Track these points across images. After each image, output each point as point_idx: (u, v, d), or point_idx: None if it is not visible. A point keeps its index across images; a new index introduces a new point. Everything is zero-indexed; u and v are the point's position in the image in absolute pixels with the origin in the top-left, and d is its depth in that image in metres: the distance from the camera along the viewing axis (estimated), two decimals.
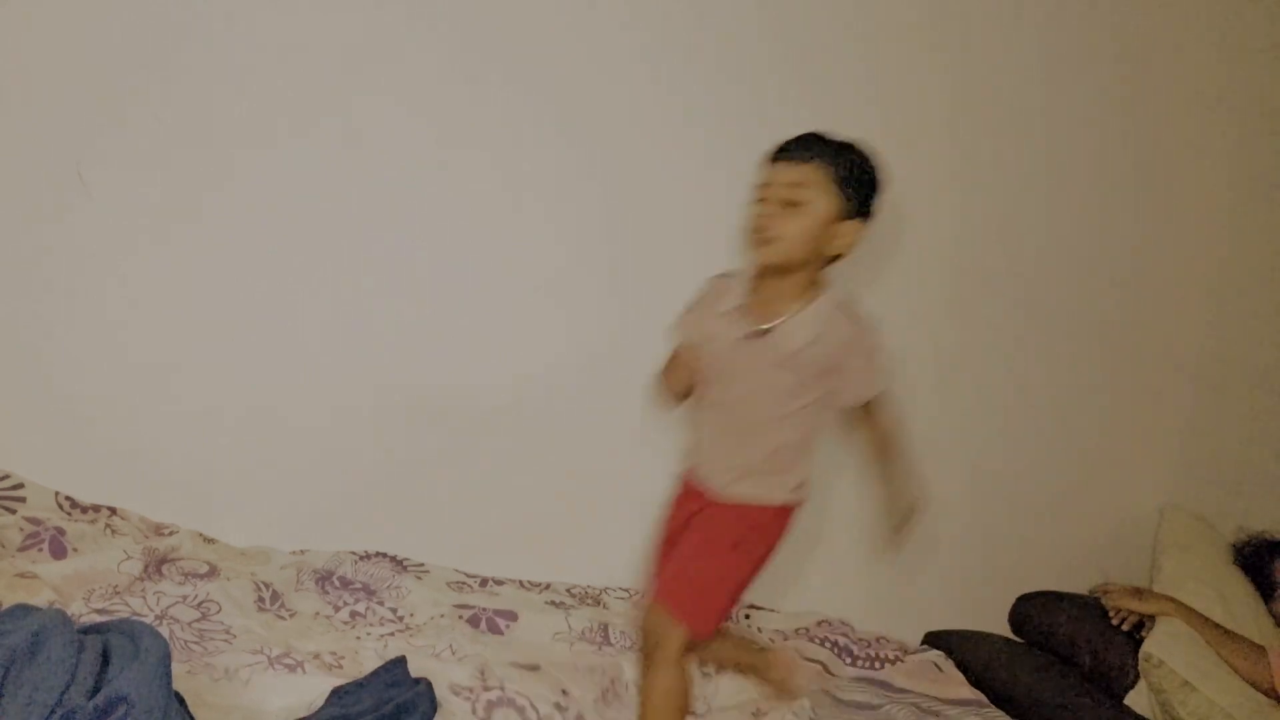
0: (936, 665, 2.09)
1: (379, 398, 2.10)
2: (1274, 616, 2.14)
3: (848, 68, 2.24)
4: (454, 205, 2.10)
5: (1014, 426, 2.46)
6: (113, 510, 1.97)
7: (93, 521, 1.92)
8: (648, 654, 1.54)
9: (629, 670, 1.77)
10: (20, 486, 1.90)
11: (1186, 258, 2.52)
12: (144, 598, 1.71)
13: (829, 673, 2.01)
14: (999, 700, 1.99)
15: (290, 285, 2.04)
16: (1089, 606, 2.20)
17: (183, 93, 1.94)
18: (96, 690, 1.09)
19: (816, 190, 1.46)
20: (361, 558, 2.05)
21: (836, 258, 1.52)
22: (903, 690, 1.97)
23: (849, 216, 1.47)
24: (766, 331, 1.50)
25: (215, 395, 2.04)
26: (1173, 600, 2.06)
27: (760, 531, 1.57)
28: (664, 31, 2.14)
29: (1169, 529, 2.36)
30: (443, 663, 1.68)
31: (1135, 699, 1.99)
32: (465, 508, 2.17)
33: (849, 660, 2.06)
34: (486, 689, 1.59)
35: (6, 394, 1.94)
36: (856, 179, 1.47)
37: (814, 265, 1.50)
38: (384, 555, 2.09)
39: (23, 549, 1.78)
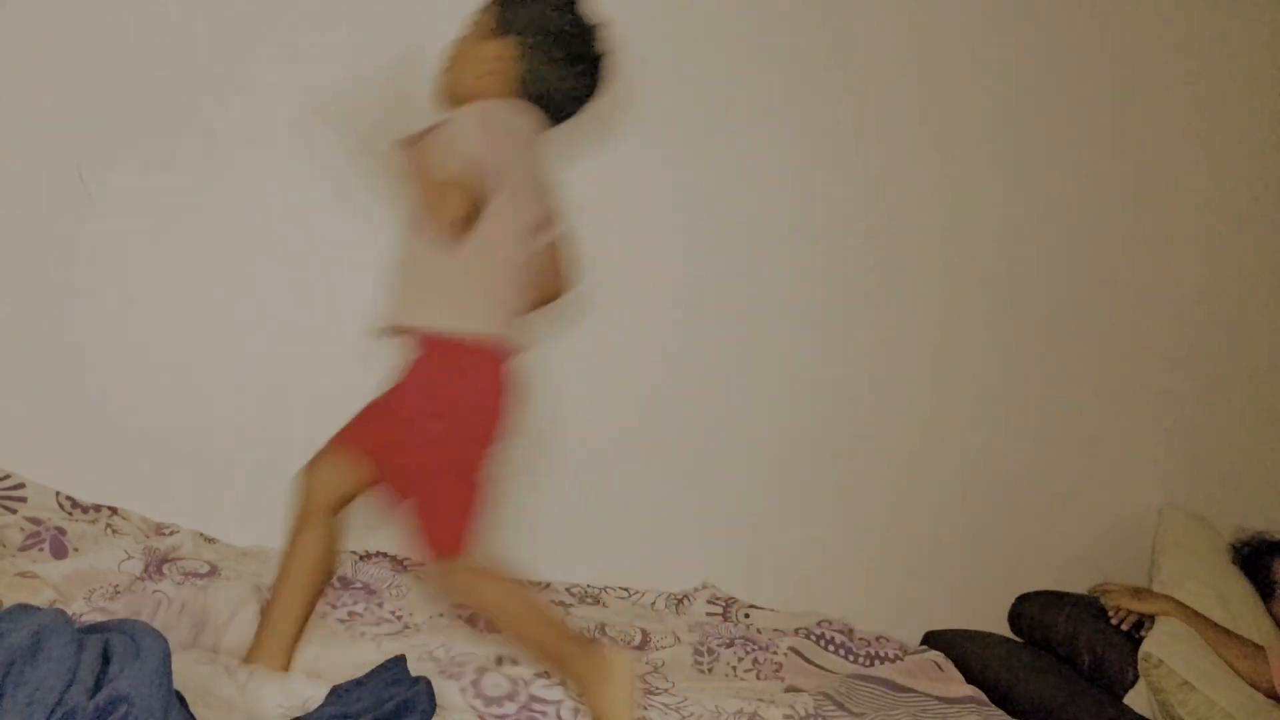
0: (937, 664, 2.09)
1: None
2: (1273, 616, 2.14)
3: (839, 69, 2.24)
4: None
5: (1012, 426, 2.46)
6: (113, 510, 1.97)
7: (93, 521, 1.92)
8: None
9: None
10: (21, 486, 1.90)
11: (1184, 256, 2.52)
12: (144, 596, 1.71)
13: (828, 671, 2.01)
14: (998, 700, 1.99)
15: (291, 284, 2.05)
16: (1088, 606, 2.20)
17: (184, 91, 1.94)
18: (97, 690, 1.09)
19: (481, 15, 1.51)
20: (362, 558, 2.05)
21: (554, 111, 1.51)
22: (903, 689, 1.97)
23: (500, 35, 1.48)
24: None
25: (217, 395, 2.04)
26: (1172, 600, 2.06)
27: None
28: (678, 25, 2.14)
29: (1168, 529, 2.36)
30: (439, 663, 1.68)
31: (1134, 699, 2.00)
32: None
33: (849, 659, 2.06)
34: (483, 690, 1.59)
35: (6, 394, 1.94)
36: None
37: (479, 92, 1.48)
38: (384, 555, 2.09)
39: (23, 549, 1.78)
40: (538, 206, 1.52)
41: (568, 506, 2.20)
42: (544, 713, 1.58)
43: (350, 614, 1.86)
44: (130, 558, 1.82)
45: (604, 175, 2.15)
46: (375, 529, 2.13)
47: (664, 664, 1.89)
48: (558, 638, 1.48)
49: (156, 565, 1.83)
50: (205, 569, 1.87)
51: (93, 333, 1.97)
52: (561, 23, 1.47)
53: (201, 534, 2.01)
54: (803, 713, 1.71)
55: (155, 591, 1.70)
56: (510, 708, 1.58)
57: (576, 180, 2.12)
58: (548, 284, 1.65)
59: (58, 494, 1.93)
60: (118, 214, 1.95)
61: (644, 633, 1.98)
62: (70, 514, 1.91)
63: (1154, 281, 2.52)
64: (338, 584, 1.95)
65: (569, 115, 1.55)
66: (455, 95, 1.49)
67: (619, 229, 2.18)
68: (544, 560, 2.18)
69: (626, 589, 2.18)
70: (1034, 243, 2.42)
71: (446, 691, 1.60)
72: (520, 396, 1.50)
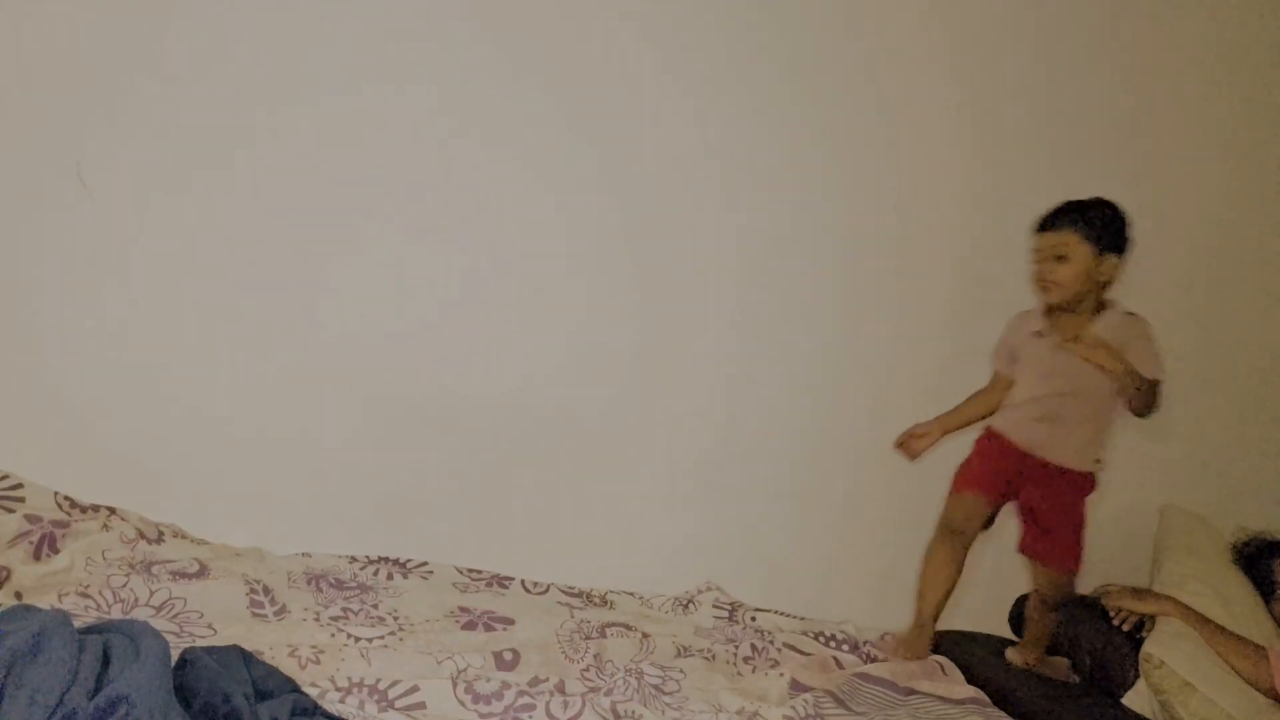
0: (940, 666, 2.09)
1: (380, 399, 2.10)
2: (1274, 617, 2.14)
3: (850, 75, 2.25)
4: (457, 210, 2.10)
5: None
6: (111, 510, 1.96)
7: (91, 521, 1.92)
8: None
9: (612, 647, 1.83)
10: (20, 486, 1.90)
11: (1184, 256, 2.52)
12: (135, 594, 1.72)
13: (839, 665, 2.01)
14: (999, 701, 1.99)
15: (292, 286, 2.04)
16: (1089, 606, 2.20)
17: (184, 92, 1.94)
18: (97, 690, 1.09)
19: (1074, 247, 1.89)
20: (362, 566, 2.05)
21: (1107, 284, 1.93)
22: (906, 690, 1.97)
23: (1105, 255, 1.89)
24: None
25: (215, 396, 2.03)
26: (1173, 600, 2.06)
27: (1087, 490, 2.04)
28: (679, 31, 2.14)
29: (1169, 529, 2.36)
30: (438, 662, 1.69)
31: (1133, 699, 2.00)
32: (471, 510, 2.17)
33: (852, 659, 2.06)
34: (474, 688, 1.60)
35: (6, 394, 1.94)
36: (1102, 231, 1.89)
37: (1092, 295, 1.93)
38: (385, 560, 2.09)
39: (13, 544, 1.78)
40: None
41: (573, 510, 2.21)
42: (532, 709, 1.59)
43: (344, 610, 1.86)
44: (122, 557, 1.82)
45: (613, 175, 2.15)
46: (376, 531, 2.14)
47: (667, 662, 1.89)
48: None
49: (146, 565, 1.83)
50: (195, 569, 1.87)
51: (93, 333, 1.97)
52: (1127, 224, 1.91)
53: (198, 537, 2.01)
54: (803, 713, 1.71)
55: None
56: (498, 706, 1.59)
57: (585, 180, 2.15)
58: None
59: (56, 494, 1.93)
60: (117, 215, 1.94)
61: (646, 634, 1.97)
62: (69, 514, 1.91)
63: (1154, 282, 2.52)
64: (334, 584, 1.95)
65: None
66: (1068, 302, 1.93)
67: (627, 232, 2.18)
68: (551, 563, 2.18)
69: (633, 592, 2.18)
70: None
71: (439, 689, 1.60)
72: None
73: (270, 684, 1.43)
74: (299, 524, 2.08)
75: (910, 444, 2.10)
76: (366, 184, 2.04)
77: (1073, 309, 1.95)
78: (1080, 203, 1.94)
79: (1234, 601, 2.11)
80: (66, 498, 1.93)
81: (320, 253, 2.05)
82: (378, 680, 1.60)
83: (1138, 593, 2.14)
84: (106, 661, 1.16)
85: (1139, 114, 2.46)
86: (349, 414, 2.10)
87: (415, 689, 1.60)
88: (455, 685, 1.62)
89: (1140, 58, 2.45)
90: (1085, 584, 2.33)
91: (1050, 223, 1.95)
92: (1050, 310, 1.98)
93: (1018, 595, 2.36)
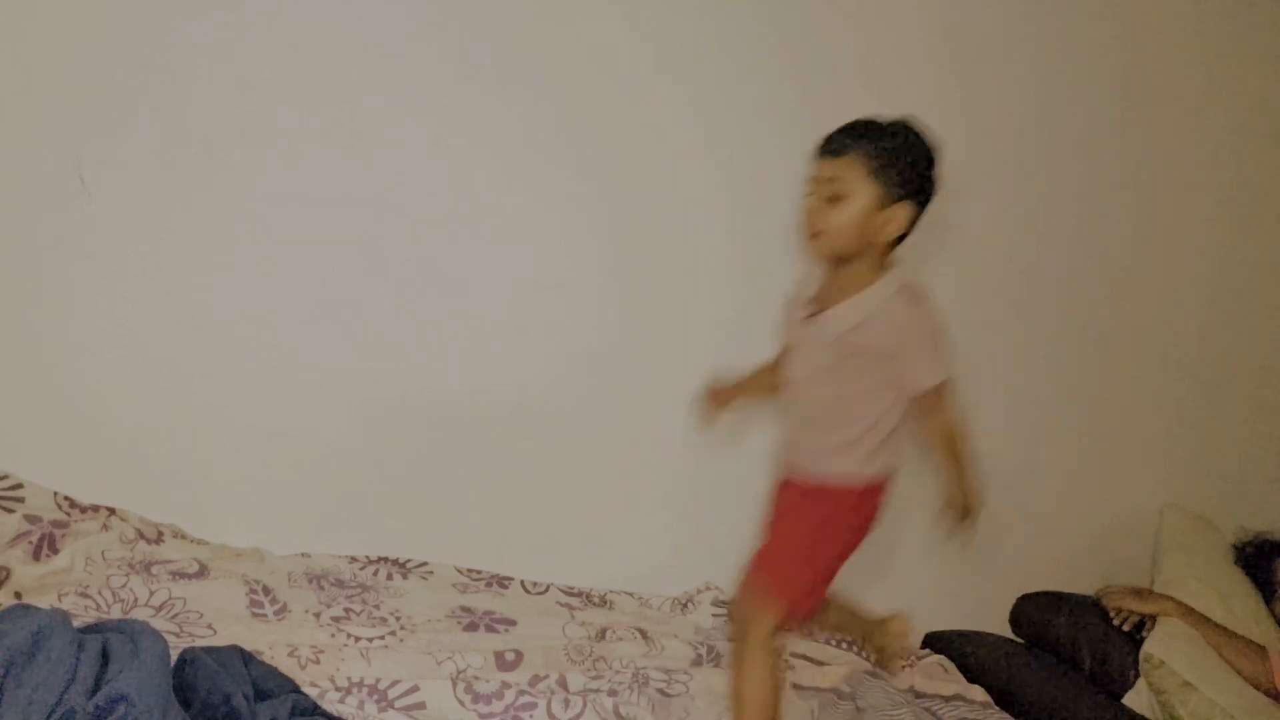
0: (941, 667, 2.09)
1: (381, 399, 2.09)
2: (1275, 616, 2.14)
3: (849, 71, 2.24)
4: (456, 207, 2.09)
5: (1014, 427, 2.46)
6: (111, 510, 1.96)
7: (91, 521, 1.92)
8: (737, 641, 1.55)
9: (617, 650, 1.82)
10: (19, 486, 1.90)
11: (1185, 256, 2.52)
12: (135, 594, 1.72)
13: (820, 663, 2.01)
14: (1000, 700, 1.99)
15: (292, 285, 2.04)
16: (1089, 606, 2.20)
17: (184, 92, 1.94)
18: (97, 689, 1.09)
19: (854, 183, 1.48)
20: (362, 566, 2.05)
21: (901, 239, 1.53)
22: (906, 689, 1.97)
23: (893, 201, 1.48)
24: (820, 314, 1.53)
25: (216, 395, 2.03)
26: (1173, 600, 2.07)
27: (844, 510, 1.59)
28: (670, 29, 2.14)
29: (1169, 529, 2.36)
30: (438, 662, 1.69)
31: (1133, 699, 2.00)
32: (470, 511, 2.17)
33: (851, 658, 2.07)
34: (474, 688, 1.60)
35: (6, 394, 1.94)
36: (894, 165, 1.47)
37: (874, 251, 1.52)
38: (385, 559, 2.09)
39: (12, 544, 1.78)
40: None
41: (572, 510, 2.20)
42: (533, 708, 1.59)
43: (346, 609, 1.86)
44: (122, 557, 1.82)
45: (614, 177, 2.15)
46: (376, 531, 2.14)
47: (672, 664, 1.88)
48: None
49: (146, 565, 1.83)
50: (194, 569, 1.87)
51: (93, 333, 1.96)
52: (933, 162, 1.52)
53: (197, 538, 2.01)
54: (802, 711, 1.72)
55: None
56: (498, 705, 1.59)
57: (579, 179, 2.15)
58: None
59: (56, 494, 1.92)
60: (117, 214, 1.94)
61: (644, 634, 1.97)
62: (69, 514, 1.91)
63: (1155, 282, 2.52)
64: (335, 584, 1.95)
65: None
66: (840, 256, 1.53)
67: (627, 231, 2.18)
68: (550, 563, 2.19)
69: (632, 593, 2.18)
70: (1035, 244, 2.42)
71: (439, 689, 1.61)
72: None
73: (270, 684, 1.44)
74: (299, 524, 2.08)
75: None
76: (366, 184, 2.04)
77: (845, 264, 1.52)
78: (876, 124, 1.50)
79: (1234, 601, 2.12)
80: (66, 498, 1.93)
81: (320, 253, 2.05)
82: (377, 680, 1.60)
83: (1138, 593, 2.15)
84: (106, 661, 1.16)
85: (1138, 113, 2.46)
86: (348, 413, 2.09)
87: (415, 689, 1.60)
88: (455, 685, 1.62)
89: (1140, 56, 2.45)
90: (1086, 584, 2.34)
91: (832, 146, 1.51)
92: (825, 265, 1.56)
93: (1018, 595, 2.37)
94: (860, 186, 1.47)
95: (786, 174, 2.27)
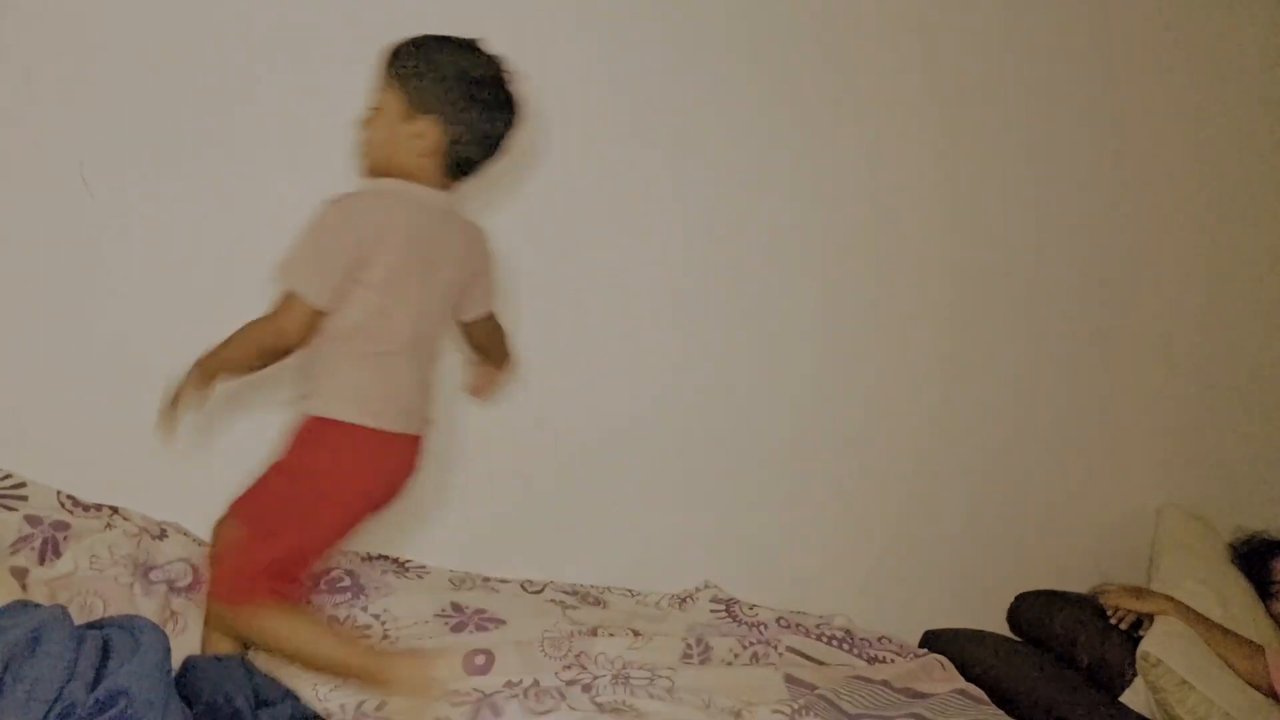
0: (940, 665, 2.10)
1: None
2: (1272, 616, 2.15)
3: (844, 70, 2.25)
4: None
5: (1012, 427, 2.46)
6: (114, 509, 1.97)
7: (94, 519, 1.93)
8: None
9: (600, 646, 1.83)
10: (22, 485, 1.90)
11: (1184, 257, 2.53)
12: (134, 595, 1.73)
13: (823, 664, 2.01)
14: (998, 699, 1.99)
15: None
16: (1087, 605, 2.21)
17: (187, 92, 1.95)
18: (97, 684, 1.10)
19: (386, 94, 1.47)
20: (363, 561, 2.06)
21: (466, 167, 1.50)
22: (904, 689, 1.97)
23: (418, 114, 1.46)
24: None
25: (216, 396, 2.04)
26: (1171, 599, 2.07)
27: (298, 445, 1.54)
28: (671, 32, 2.15)
29: (1167, 528, 2.36)
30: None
31: (1131, 697, 2.00)
32: (468, 511, 2.17)
33: (851, 653, 2.07)
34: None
35: (9, 393, 1.95)
36: (415, 73, 1.45)
37: (411, 170, 1.48)
38: (384, 557, 2.10)
39: (14, 548, 1.78)
40: (431, 287, 1.53)
41: (569, 506, 2.21)
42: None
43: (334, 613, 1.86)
44: (125, 555, 1.82)
45: (609, 175, 2.16)
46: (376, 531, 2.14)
47: (657, 658, 1.89)
48: (348, 653, 1.50)
49: (146, 568, 1.84)
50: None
51: (94, 332, 1.97)
52: (472, 77, 1.47)
53: (199, 537, 2.01)
54: (797, 711, 1.71)
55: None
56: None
57: (581, 179, 2.15)
58: (492, 355, 1.70)
59: (59, 493, 1.93)
60: (120, 214, 1.95)
61: (637, 632, 1.97)
62: (71, 513, 1.91)
63: (1154, 282, 2.53)
64: (326, 586, 1.95)
65: (494, 154, 1.55)
66: (378, 172, 1.51)
67: (622, 228, 2.19)
68: (546, 560, 2.19)
69: (629, 590, 2.18)
70: (1034, 243, 2.43)
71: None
72: (392, 478, 1.57)
73: (270, 693, 1.45)
74: None
75: None
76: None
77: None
78: (416, 39, 1.48)
79: (1232, 601, 2.12)
80: (69, 496, 1.94)
81: None
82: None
83: (1136, 591, 2.15)
84: (106, 656, 1.17)
85: (1138, 113, 2.46)
86: None
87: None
88: None
89: (1140, 55, 2.45)
90: (1084, 583, 2.34)
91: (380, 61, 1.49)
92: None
93: (1016, 594, 2.37)
94: (389, 99, 1.47)
95: (789, 175, 2.29)
